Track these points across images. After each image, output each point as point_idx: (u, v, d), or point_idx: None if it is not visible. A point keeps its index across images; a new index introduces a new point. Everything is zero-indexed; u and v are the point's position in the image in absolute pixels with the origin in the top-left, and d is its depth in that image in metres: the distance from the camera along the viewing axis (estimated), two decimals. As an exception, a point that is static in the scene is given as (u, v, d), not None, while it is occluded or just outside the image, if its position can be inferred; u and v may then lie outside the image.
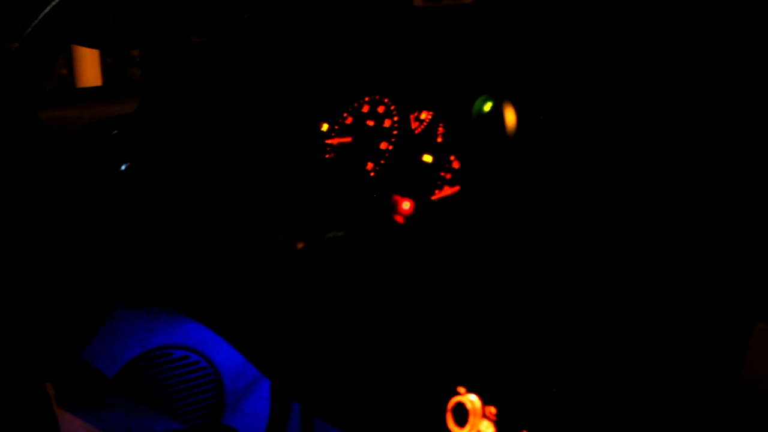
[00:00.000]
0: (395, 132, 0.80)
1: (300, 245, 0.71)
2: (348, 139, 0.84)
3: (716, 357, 0.50)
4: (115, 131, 0.86)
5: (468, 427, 0.57)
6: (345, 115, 0.86)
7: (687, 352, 0.51)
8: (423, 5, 0.80)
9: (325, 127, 0.88)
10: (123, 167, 0.81)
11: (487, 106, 0.69)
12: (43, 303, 0.88)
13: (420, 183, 0.75)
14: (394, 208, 0.74)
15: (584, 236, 0.58)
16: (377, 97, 0.84)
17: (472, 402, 0.58)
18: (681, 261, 0.53)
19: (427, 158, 0.75)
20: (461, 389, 0.60)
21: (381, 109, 0.83)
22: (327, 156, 0.86)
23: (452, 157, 0.73)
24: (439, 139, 0.75)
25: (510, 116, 0.66)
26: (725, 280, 0.50)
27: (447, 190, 0.72)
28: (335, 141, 0.85)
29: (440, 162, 0.74)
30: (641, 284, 0.54)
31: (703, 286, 0.51)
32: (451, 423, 0.59)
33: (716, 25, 0.56)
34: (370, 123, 0.83)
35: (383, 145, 0.80)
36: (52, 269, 0.87)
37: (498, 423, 0.56)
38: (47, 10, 0.74)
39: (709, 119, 0.55)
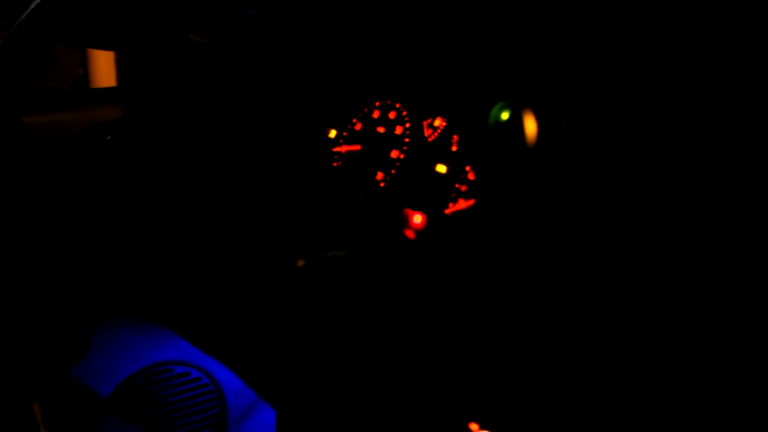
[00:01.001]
0: (407, 140, 0.78)
1: (301, 263, 0.68)
2: (357, 147, 0.83)
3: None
4: (108, 137, 0.84)
5: (480, 468, 0.55)
6: (354, 120, 0.84)
7: (713, 382, 0.47)
8: None
9: (332, 133, 0.85)
10: (116, 173, 0.78)
11: (506, 114, 0.66)
12: (28, 316, 0.85)
13: (433, 195, 0.73)
14: (404, 222, 0.72)
15: (612, 257, 0.55)
16: (388, 102, 0.82)
17: (485, 441, 0.56)
18: (719, 288, 0.49)
19: (441, 169, 0.73)
20: (473, 426, 0.57)
21: (392, 115, 0.80)
22: (334, 165, 0.84)
23: (468, 168, 0.71)
24: (454, 148, 0.73)
25: (530, 125, 0.64)
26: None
27: (462, 204, 0.70)
28: (343, 149, 0.83)
29: (455, 173, 0.72)
30: (674, 310, 0.51)
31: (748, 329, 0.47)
32: (462, 463, 0.57)
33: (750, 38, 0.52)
34: (381, 130, 0.80)
35: (394, 154, 0.78)
36: (38, 281, 0.85)
37: (514, 466, 0.54)
38: (28, 11, 0.71)
39: (751, 134, 0.50)
